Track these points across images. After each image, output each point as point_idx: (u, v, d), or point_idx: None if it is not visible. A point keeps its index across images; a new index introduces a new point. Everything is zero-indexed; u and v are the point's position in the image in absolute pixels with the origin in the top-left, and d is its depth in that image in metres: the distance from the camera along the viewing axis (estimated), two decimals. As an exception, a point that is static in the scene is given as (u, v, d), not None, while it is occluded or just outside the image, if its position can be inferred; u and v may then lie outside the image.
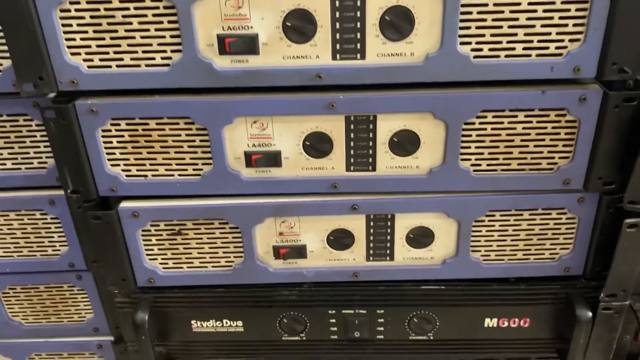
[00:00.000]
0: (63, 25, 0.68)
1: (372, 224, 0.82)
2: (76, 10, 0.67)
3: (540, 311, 0.86)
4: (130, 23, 0.68)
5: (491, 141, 0.75)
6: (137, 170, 0.78)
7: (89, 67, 0.71)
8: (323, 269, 0.85)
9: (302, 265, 0.85)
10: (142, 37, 0.69)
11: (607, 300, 0.82)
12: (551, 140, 0.74)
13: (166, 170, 0.78)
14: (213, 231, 0.82)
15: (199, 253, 0.84)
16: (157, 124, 0.74)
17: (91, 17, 0.68)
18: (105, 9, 0.67)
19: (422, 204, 0.79)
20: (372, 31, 0.68)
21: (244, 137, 0.75)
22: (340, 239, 0.83)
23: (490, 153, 0.76)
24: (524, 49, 0.68)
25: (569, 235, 0.82)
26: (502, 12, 0.66)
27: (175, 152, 0.76)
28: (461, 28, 0.67)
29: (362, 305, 0.87)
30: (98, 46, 0.69)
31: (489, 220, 0.81)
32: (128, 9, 0.67)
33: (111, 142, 0.76)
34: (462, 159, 0.76)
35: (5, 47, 0.68)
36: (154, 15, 0.67)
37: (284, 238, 0.83)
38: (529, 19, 0.67)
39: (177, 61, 0.70)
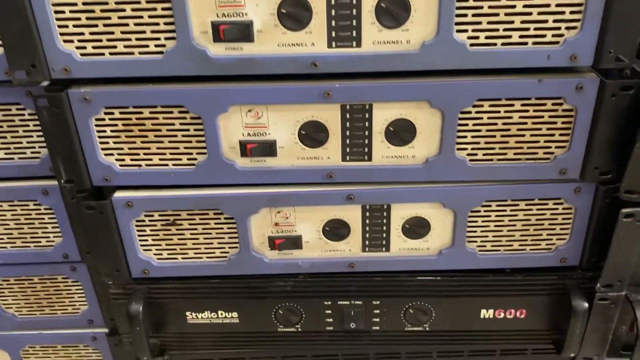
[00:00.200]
0: (55, 12, 0.67)
1: (367, 214, 0.81)
2: (69, -4, 0.67)
3: (536, 302, 0.86)
4: (124, 10, 0.67)
5: (487, 130, 0.74)
6: (131, 159, 0.77)
7: (82, 54, 0.70)
8: (318, 260, 0.85)
9: (298, 256, 0.85)
10: (135, 25, 0.68)
11: (603, 290, 0.82)
12: (548, 129, 0.74)
13: (160, 159, 0.77)
14: (208, 222, 0.82)
15: (193, 244, 0.84)
16: (151, 112, 0.74)
17: (84, 3, 0.67)
18: (98, -4, 0.66)
19: (418, 194, 0.79)
20: (368, 18, 0.67)
21: (238, 126, 0.75)
22: (335, 230, 0.82)
23: (486, 142, 0.75)
24: (521, 37, 0.68)
25: (565, 225, 0.81)
26: (499, -1, 0.66)
27: (170, 142, 0.76)
28: (457, 15, 0.67)
29: (358, 296, 0.87)
30: (91, 33, 0.69)
31: (485, 211, 0.81)
32: (121, -5, 0.66)
33: (105, 131, 0.75)
34: (458, 149, 0.75)
35: (-3, 35, 0.67)
36: (147, 1, 0.67)
37: (279, 228, 0.83)
38: (525, 6, 0.66)
39: (171, 49, 0.69)
